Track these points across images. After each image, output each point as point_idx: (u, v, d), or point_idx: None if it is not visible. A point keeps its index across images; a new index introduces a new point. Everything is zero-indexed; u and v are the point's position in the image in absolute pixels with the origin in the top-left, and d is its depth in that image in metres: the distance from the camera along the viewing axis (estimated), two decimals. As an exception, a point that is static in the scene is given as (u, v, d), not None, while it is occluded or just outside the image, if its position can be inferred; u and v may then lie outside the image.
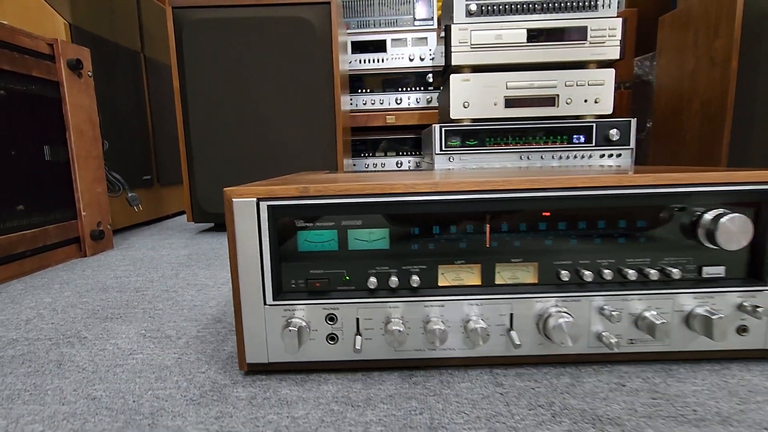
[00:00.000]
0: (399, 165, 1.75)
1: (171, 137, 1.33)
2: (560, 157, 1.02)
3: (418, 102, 1.68)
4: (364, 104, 1.69)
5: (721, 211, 0.34)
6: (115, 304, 0.58)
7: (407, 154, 1.74)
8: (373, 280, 0.36)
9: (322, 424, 0.31)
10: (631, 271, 0.35)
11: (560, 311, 0.35)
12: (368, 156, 1.76)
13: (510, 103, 1.02)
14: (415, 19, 1.68)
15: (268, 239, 0.35)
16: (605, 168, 0.58)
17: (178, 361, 0.41)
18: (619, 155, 1.02)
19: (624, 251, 0.36)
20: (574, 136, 1.02)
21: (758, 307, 0.35)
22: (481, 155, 1.03)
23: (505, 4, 1.00)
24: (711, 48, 1.04)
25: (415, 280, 0.36)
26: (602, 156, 1.02)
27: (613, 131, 1.00)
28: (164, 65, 1.32)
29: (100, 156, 0.90)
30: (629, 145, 1.01)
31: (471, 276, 0.36)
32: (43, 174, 0.77)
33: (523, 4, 0.99)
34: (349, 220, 0.36)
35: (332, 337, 0.36)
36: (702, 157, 1.08)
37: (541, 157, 1.02)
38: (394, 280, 0.35)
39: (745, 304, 0.35)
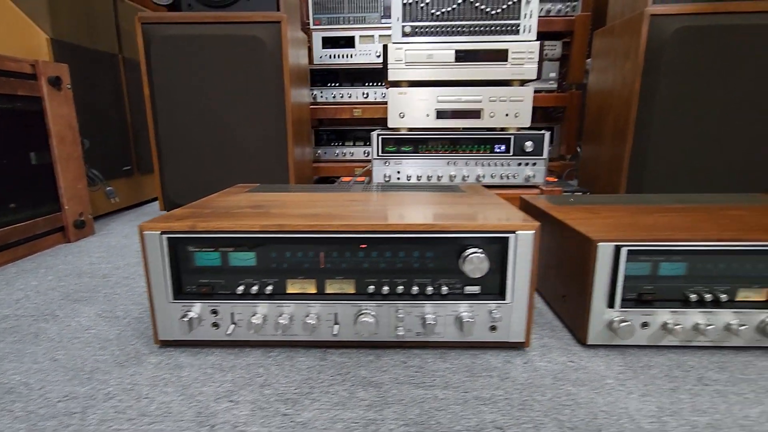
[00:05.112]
0: (366, 154, 1.89)
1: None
2: (483, 165, 1.17)
3: (383, 96, 1.79)
4: (333, 97, 1.81)
5: (473, 250, 0.50)
6: (85, 288, 0.76)
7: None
8: (240, 288, 0.52)
9: (195, 381, 0.48)
10: (415, 288, 0.52)
11: (367, 312, 0.52)
12: (338, 145, 1.90)
13: (440, 114, 1.16)
14: (382, 17, 1.77)
15: (168, 259, 0.51)
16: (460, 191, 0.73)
17: (119, 335, 0.59)
18: (534, 164, 1.16)
19: (416, 273, 0.52)
20: (496, 146, 1.15)
21: (497, 313, 0.51)
22: (415, 160, 1.17)
23: (436, 27, 1.11)
24: (623, 68, 1.16)
25: (269, 289, 0.52)
26: (519, 165, 1.16)
27: (528, 143, 1.13)
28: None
29: (80, 156, 1.05)
30: (543, 155, 1.15)
31: (310, 287, 0.53)
32: (30, 176, 0.93)
33: (452, 27, 1.11)
34: (228, 244, 0.52)
35: (215, 324, 0.53)
36: (611, 168, 1.22)
37: (466, 164, 1.17)
38: (254, 289, 0.52)
39: (493, 311, 0.52)
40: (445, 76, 1.13)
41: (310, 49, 1.83)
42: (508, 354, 0.53)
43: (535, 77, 1.12)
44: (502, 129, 1.18)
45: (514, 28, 1.10)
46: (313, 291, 0.53)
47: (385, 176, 1.18)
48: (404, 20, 1.11)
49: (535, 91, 1.79)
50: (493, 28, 1.11)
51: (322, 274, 0.53)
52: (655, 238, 0.51)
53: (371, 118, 1.82)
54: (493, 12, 1.09)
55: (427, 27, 1.12)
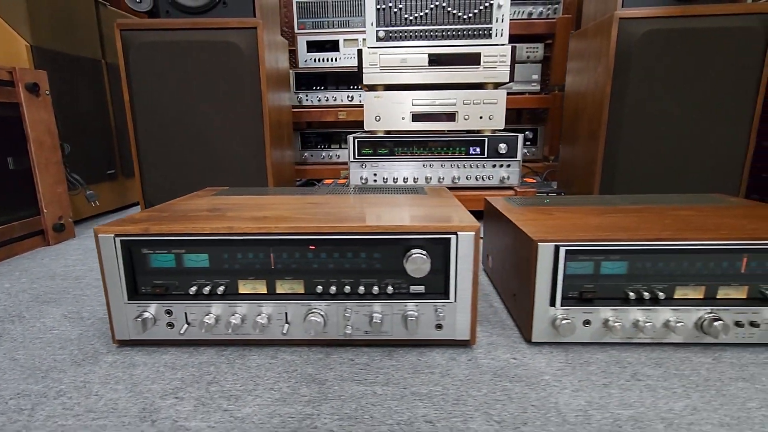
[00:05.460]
0: (352, 157, 1.90)
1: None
2: (458, 167, 1.18)
3: (368, 99, 1.81)
4: (318, 100, 1.83)
5: (416, 250, 0.51)
6: (56, 290, 0.77)
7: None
8: (193, 288, 0.54)
9: (146, 379, 0.50)
10: (362, 288, 0.53)
11: (316, 311, 0.53)
12: (324, 148, 1.91)
13: (416, 117, 1.18)
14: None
15: (121, 261, 0.53)
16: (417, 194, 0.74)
17: (80, 336, 0.60)
18: (509, 166, 1.18)
19: (363, 273, 0.54)
20: (471, 149, 1.17)
21: (442, 312, 0.53)
22: (391, 163, 1.19)
23: (410, 32, 1.13)
24: (596, 71, 1.17)
25: (221, 289, 0.54)
26: (494, 166, 1.17)
27: (502, 145, 1.15)
28: (127, 68, 1.46)
29: (59, 161, 1.07)
30: (517, 157, 1.16)
31: (261, 287, 0.54)
32: (8, 181, 0.95)
33: (425, 32, 1.13)
34: (182, 246, 0.54)
35: (170, 324, 0.55)
36: (586, 169, 1.24)
37: (441, 166, 1.18)
38: (206, 289, 0.54)
39: (438, 310, 0.53)
40: (419, 79, 1.15)
41: (295, 53, 1.85)
42: (454, 351, 0.55)
43: (507, 80, 1.14)
44: (477, 131, 1.20)
45: (486, 32, 1.12)
46: (264, 291, 0.54)
47: (362, 179, 1.20)
48: (378, 25, 1.13)
49: (519, 93, 1.81)
50: (465, 32, 1.12)
51: (273, 275, 0.54)
52: (594, 238, 0.52)
53: (356, 121, 1.83)
54: (465, 16, 1.11)
55: (401, 32, 1.13)
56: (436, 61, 1.13)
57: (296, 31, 1.80)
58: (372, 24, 1.13)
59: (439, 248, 0.52)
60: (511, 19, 1.72)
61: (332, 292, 0.53)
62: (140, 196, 1.24)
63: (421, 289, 0.54)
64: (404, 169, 1.19)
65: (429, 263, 0.51)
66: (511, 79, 1.14)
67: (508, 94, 1.79)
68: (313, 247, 0.53)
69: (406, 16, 1.12)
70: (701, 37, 1.05)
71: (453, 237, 0.51)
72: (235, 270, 0.54)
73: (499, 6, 1.10)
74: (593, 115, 1.19)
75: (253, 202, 0.68)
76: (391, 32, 1.13)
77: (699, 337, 0.54)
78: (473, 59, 1.12)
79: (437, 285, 0.53)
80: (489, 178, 1.18)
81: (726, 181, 1.12)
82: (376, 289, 0.53)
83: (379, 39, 1.13)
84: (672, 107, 1.09)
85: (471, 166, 1.18)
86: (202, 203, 0.69)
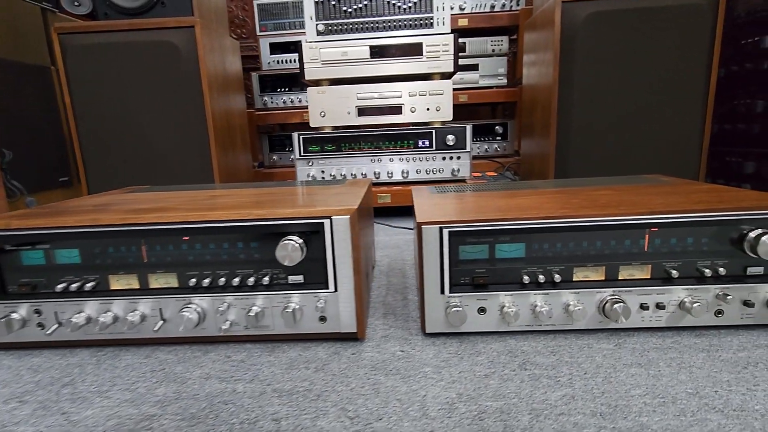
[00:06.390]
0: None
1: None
2: (407, 161, 1.15)
3: (333, 99, 1.79)
4: (283, 102, 1.81)
5: (288, 237, 0.48)
6: (-35, 297, 0.75)
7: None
8: (61, 286, 0.51)
9: (1, 383, 0.47)
10: (236, 279, 0.50)
11: (190, 307, 0.50)
12: (292, 151, 1.89)
13: (361, 112, 1.15)
14: (328, 20, 1.78)
15: (-17, 259, 0.50)
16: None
17: (-39, 341, 0.57)
18: (459, 158, 1.14)
19: (241, 264, 0.50)
20: (420, 141, 1.14)
21: (321, 303, 0.49)
22: (338, 159, 1.16)
23: (350, 24, 1.11)
24: (545, 59, 1.14)
25: (90, 285, 0.51)
26: (443, 159, 1.14)
27: (450, 137, 1.12)
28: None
29: (-5, 167, 1.05)
30: (466, 149, 1.13)
31: (133, 281, 0.51)
32: (-66, 188, 0.93)
33: (366, 24, 1.10)
34: (48, 241, 0.51)
35: (41, 325, 0.52)
36: (542, 159, 1.20)
37: (390, 160, 1.15)
38: (75, 286, 0.51)
39: (319, 301, 0.50)
40: (362, 72, 1.12)
41: (258, 57, 1.83)
42: (341, 345, 0.51)
43: (452, 70, 1.11)
44: (425, 124, 1.17)
45: (427, 21, 1.09)
46: (137, 286, 0.51)
47: (309, 176, 1.17)
48: (317, 19, 1.11)
49: (486, 87, 1.78)
50: (406, 22, 1.10)
51: (145, 269, 0.51)
52: (481, 219, 0.49)
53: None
54: (405, 6, 1.09)
55: (341, 24, 1.11)
56: (378, 53, 1.10)
57: (258, 33, 1.79)
58: (311, 18, 1.11)
59: (315, 235, 0.49)
60: (473, 12, 1.70)
61: (205, 285, 0.50)
62: (87, 201, 1.21)
63: (299, 278, 0.50)
64: (352, 165, 1.16)
65: (300, 250, 0.47)
66: (456, 70, 1.11)
67: (475, 88, 1.76)
68: (186, 238, 0.50)
69: (345, 8, 1.10)
70: (646, 17, 1.01)
71: (326, 221, 0.48)
72: (106, 265, 0.51)
73: (439, -6, 1.07)
74: (545, 105, 1.16)
75: (151, 197, 0.65)
76: (330, 26, 1.11)
77: (603, 322, 0.50)
78: (415, 50, 1.09)
79: (317, 274, 0.50)
80: (440, 171, 1.15)
81: (684, 164, 1.08)
82: (251, 281, 0.50)
83: (319, 33, 1.11)
84: (622, 91, 1.05)
85: (421, 160, 1.15)
86: (99, 200, 0.66)
